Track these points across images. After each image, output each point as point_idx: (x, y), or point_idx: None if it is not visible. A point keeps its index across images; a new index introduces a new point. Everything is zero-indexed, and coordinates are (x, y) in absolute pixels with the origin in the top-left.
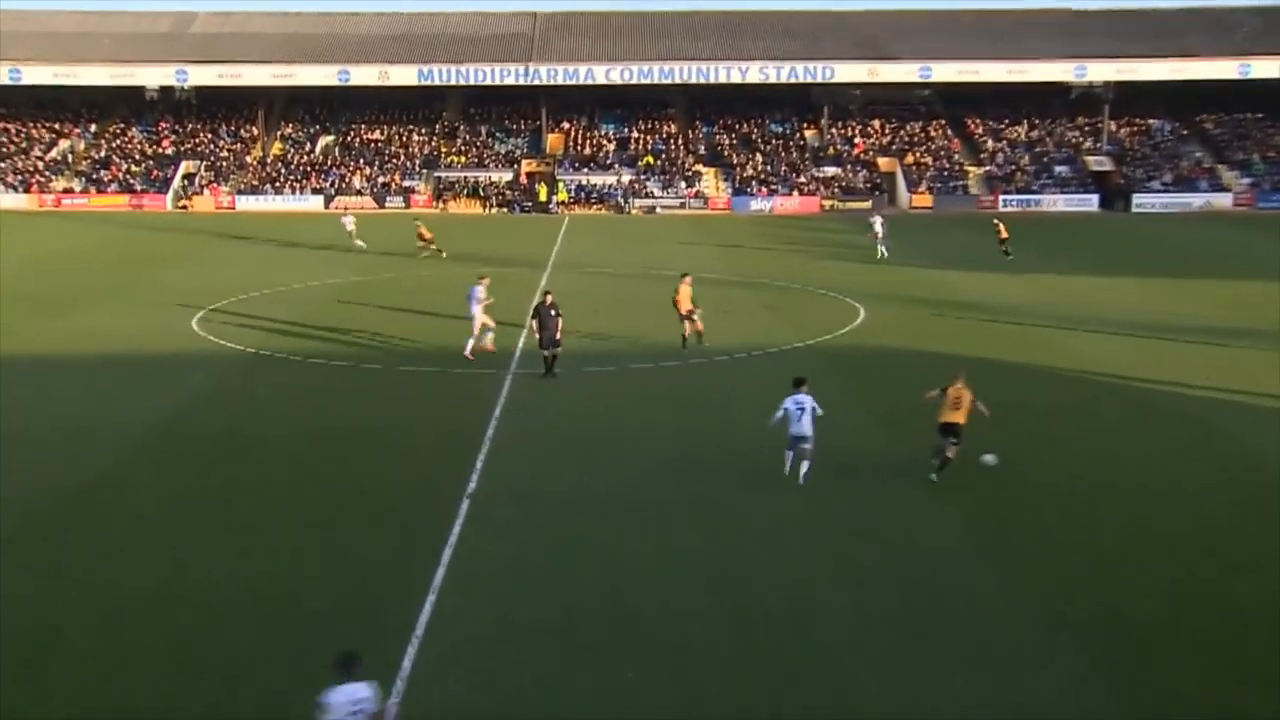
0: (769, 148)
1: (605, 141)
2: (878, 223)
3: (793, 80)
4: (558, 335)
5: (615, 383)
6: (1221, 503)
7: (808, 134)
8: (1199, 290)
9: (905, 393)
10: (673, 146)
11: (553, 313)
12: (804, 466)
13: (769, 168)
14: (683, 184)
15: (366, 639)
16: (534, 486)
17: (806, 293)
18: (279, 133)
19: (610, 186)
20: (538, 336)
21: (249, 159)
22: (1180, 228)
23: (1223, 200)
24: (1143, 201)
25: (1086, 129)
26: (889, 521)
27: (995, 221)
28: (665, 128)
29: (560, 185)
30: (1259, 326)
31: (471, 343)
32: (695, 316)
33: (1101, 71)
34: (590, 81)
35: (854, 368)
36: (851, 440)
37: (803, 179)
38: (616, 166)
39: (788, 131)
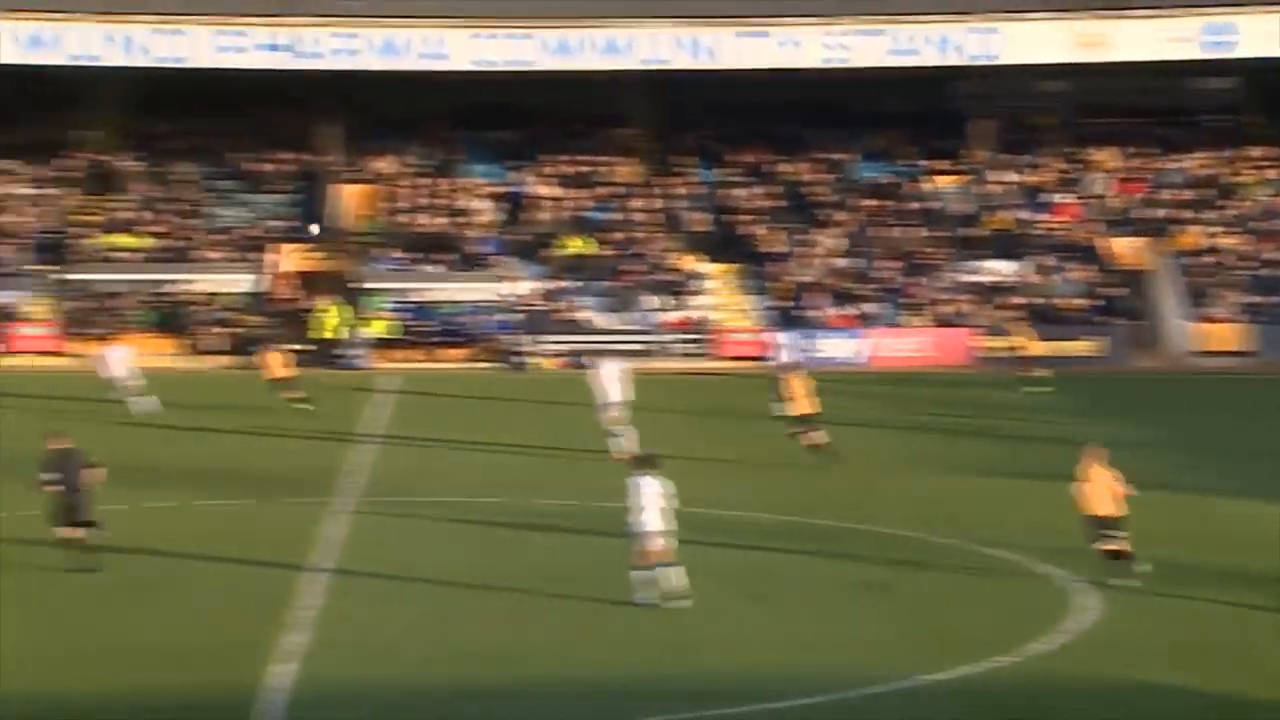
0: None
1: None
2: None
3: None
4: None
5: None
6: None
7: None
8: None
9: None
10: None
11: (80, 461)
12: None
13: None
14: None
15: None
16: None
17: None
18: None
19: (491, 305)
20: (65, 499)
21: None
22: None
23: None
24: None
25: None
26: None
27: None
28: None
29: (373, 302)
30: None
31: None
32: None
33: None
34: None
35: None
36: None
37: None
38: (501, 260)
39: None
